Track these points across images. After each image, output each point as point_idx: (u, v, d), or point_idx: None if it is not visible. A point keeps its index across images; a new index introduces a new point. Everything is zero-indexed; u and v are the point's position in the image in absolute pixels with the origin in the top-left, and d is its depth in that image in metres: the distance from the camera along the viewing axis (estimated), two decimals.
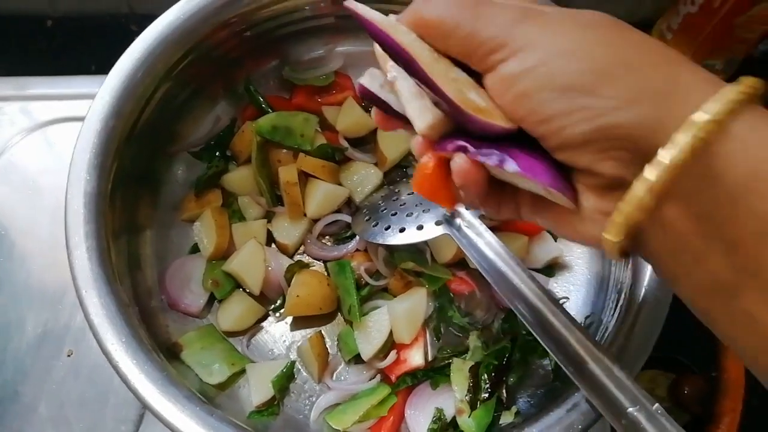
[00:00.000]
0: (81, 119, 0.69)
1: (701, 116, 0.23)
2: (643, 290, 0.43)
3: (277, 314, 0.56)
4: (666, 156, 0.24)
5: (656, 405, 0.38)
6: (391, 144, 0.59)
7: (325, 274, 0.56)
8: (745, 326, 0.25)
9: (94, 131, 0.47)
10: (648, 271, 0.44)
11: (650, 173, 0.24)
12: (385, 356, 0.53)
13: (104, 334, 0.42)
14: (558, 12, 0.28)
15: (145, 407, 0.40)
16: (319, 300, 0.54)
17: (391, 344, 0.53)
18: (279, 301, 0.57)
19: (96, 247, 0.44)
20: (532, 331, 0.43)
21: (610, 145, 0.25)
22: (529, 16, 0.27)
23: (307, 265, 0.57)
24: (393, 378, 0.52)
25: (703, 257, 0.25)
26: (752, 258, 0.23)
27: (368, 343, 0.52)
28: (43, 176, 0.67)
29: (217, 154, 0.60)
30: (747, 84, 0.24)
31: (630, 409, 0.38)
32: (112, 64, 0.51)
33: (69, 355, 0.59)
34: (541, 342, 0.42)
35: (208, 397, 0.48)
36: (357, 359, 0.53)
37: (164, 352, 0.48)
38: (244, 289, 0.56)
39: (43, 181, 0.67)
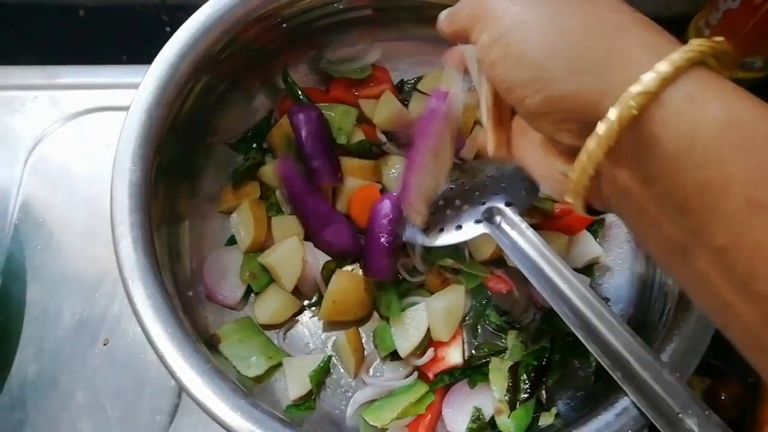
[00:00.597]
0: (114, 109, 0.71)
1: (635, 88, 0.24)
2: None
3: (314, 308, 0.56)
4: (601, 127, 0.25)
5: (709, 411, 0.37)
6: None
7: (362, 273, 0.55)
8: (701, 286, 0.26)
9: (139, 121, 0.46)
10: None
11: (590, 142, 0.26)
12: (423, 353, 0.52)
13: (150, 324, 0.42)
14: None
15: (191, 400, 0.40)
16: (355, 306, 0.54)
17: (428, 341, 0.53)
18: (314, 298, 0.56)
19: (141, 238, 0.44)
20: (576, 333, 0.42)
21: (561, 117, 0.27)
22: None
23: (344, 261, 0.56)
24: (431, 376, 0.52)
25: (659, 219, 0.26)
26: (697, 220, 0.24)
27: (405, 339, 0.52)
28: (78, 167, 0.68)
29: (254, 146, 0.60)
30: (692, 48, 0.24)
31: (681, 415, 0.37)
32: (144, 55, 0.50)
33: (105, 344, 0.59)
34: (586, 345, 0.42)
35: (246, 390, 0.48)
36: (393, 356, 0.53)
37: (204, 344, 0.48)
38: None
39: (78, 172, 0.68)
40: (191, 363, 0.41)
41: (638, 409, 0.39)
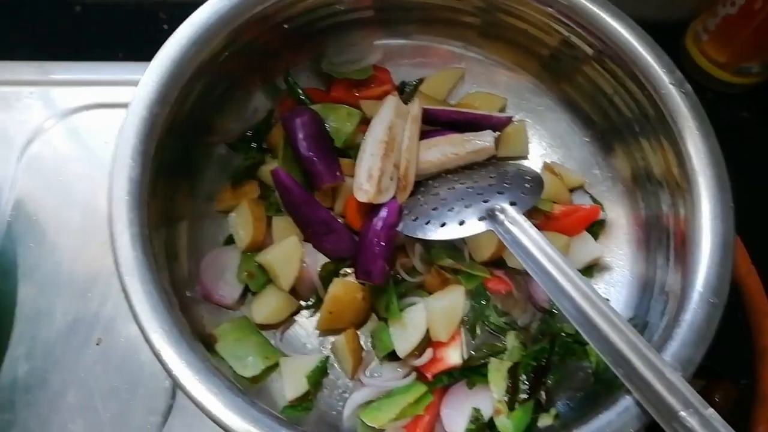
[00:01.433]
0: (110, 106, 0.70)
1: None
2: (697, 292, 0.42)
3: (311, 309, 0.56)
4: None
5: (710, 410, 0.37)
6: None
7: (359, 283, 0.54)
8: None
9: (140, 117, 0.46)
10: (701, 274, 0.43)
11: None
12: (421, 354, 0.52)
13: (147, 322, 0.41)
14: None
15: (187, 397, 0.40)
16: (352, 316, 0.53)
17: (427, 342, 0.52)
18: (312, 300, 0.56)
19: (140, 234, 0.43)
20: (578, 329, 0.42)
21: None
22: None
23: (342, 263, 0.56)
24: (429, 376, 0.51)
25: None
26: None
27: (405, 340, 0.51)
28: (73, 164, 0.67)
29: (254, 145, 0.59)
30: None
31: (682, 413, 0.37)
32: (140, 52, 0.50)
33: (98, 344, 0.58)
34: (589, 342, 0.42)
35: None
36: (391, 356, 0.53)
37: (200, 343, 0.48)
38: None
39: (73, 169, 0.67)
40: (187, 361, 0.40)
41: (640, 407, 0.39)
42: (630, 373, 0.39)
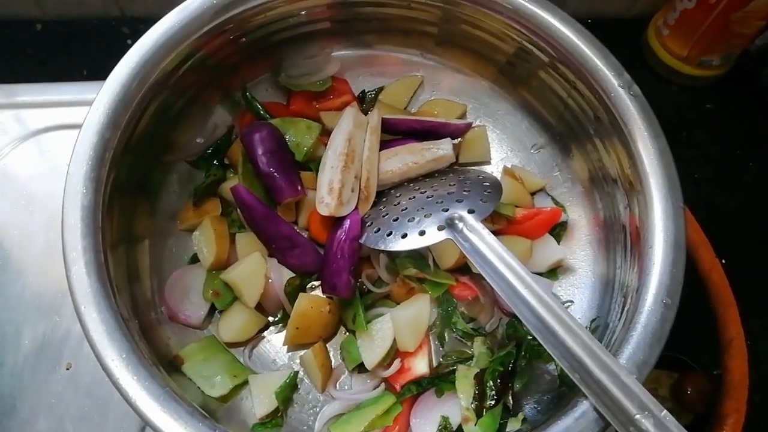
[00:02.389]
0: (75, 127, 0.68)
1: None
2: (651, 294, 0.42)
3: (279, 324, 0.56)
4: None
5: (664, 411, 0.38)
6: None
7: (326, 297, 0.54)
8: None
9: (90, 143, 0.46)
10: (656, 273, 0.43)
11: None
12: (389, 365, 0.52)
13: (104, 350, 0.41)
14: None
15: (146, 424, 0.39)
16: (319, 330, 0.53)
17: (395, 352, 0.52)
18: (279, 315, 0.56)
19: (94, 262, 0.43)
20: (536, 336, 0.42)
21: None
22: None
23: (308, 277, 0.56)
24: (397, 387, 0.52)
25: None
26: None
27: (372, 351, 0.51)
28: (38, 185, 0.66)
29: (215, 162, 0.59)
30: None
31: (637, 416, 0.38)
32: (105, 68, 0.49)
33: (68, 368, 0.58)
34: (545, 347, 0.42)
35: (209, 411, 0.47)
36: (360, 368, 0.53)
37: (165, 366, 0.47)
38: None
39: (38, 191, 0.66)
40: (147, 388, 0.40)
41: (597, 411, 0.40)
42: (586, 378, 0.40)
